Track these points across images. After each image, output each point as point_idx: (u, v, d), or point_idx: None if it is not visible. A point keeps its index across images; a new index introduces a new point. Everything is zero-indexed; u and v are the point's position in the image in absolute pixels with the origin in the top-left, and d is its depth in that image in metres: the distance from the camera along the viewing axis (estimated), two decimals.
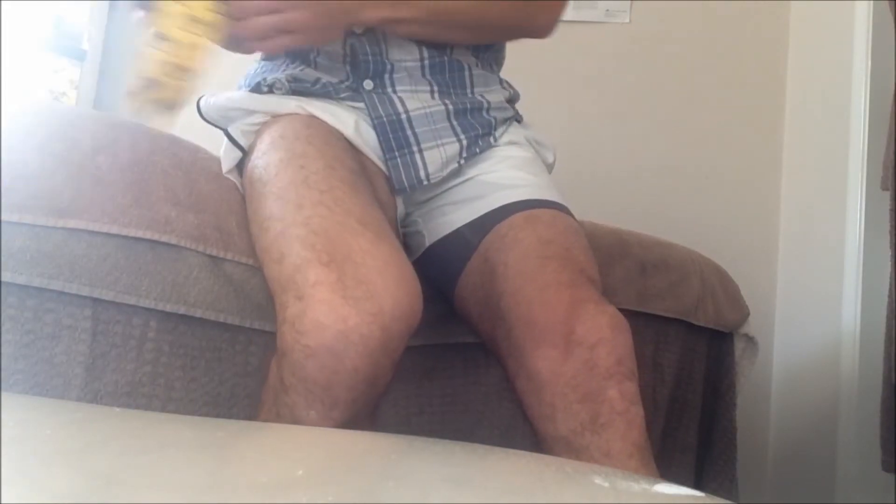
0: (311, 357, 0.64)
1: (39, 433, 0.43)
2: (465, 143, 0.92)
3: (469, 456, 0.51)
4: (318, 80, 0.91)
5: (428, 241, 0.93)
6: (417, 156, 0.90)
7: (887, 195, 1.44)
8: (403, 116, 0.90)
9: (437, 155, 0.90)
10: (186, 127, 1.00)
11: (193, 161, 0.89)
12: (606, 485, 0.45)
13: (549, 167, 1.02)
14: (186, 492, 0.34)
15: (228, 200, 0.88)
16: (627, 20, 1.93)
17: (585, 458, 0.71)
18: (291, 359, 0.66)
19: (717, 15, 1.92)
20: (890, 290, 1.40)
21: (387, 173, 0.90)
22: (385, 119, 0.90)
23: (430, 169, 0.90)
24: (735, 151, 1.90)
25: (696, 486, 0.68)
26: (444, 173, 0.91)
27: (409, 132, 0.90)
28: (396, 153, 0.90)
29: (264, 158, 0.82)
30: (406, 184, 0.90)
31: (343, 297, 0.64)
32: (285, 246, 0.70)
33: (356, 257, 0.67)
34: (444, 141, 0.91)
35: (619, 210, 1.56)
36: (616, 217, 1.30)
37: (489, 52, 1.00)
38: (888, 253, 1.43)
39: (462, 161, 0.92)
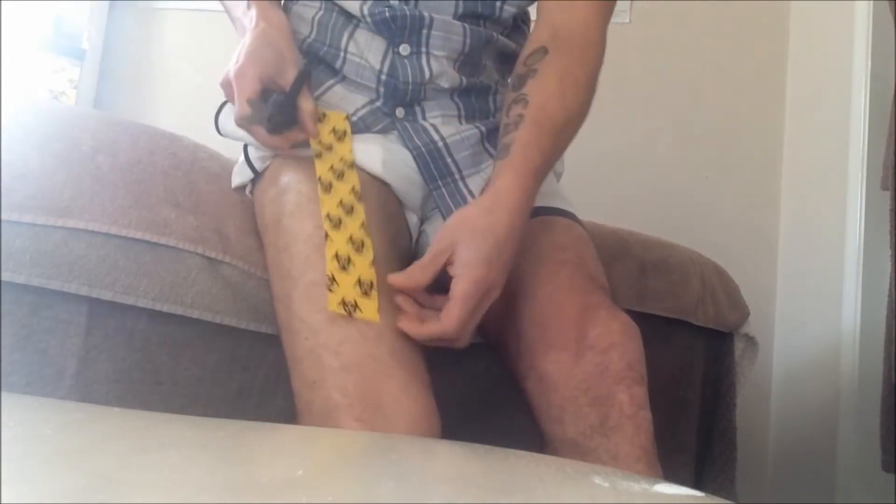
0: None
1: (39, 433, 0.43)
2: None
3: (469, 456, 0.51)
4: (354, 114, 0.88)
5: (432, 239, 0.92)
6: (461, 183, 0.89)
7: (887, 195, 1.44)
8: (441, 144, 0.89)
9: (478, 180, 0.89)
10: (187, 125, 1.00)
11: (193, 161, 0.89)
12: (606, 485, 0.45)
13: (558, 175, 1.02)
14: (186, 492, 0.34)
15: (227, 202, 0.88)
16: (627, 20, 1.93)
17: (593, 461, 0.71)
18: None
19: (717, 15, 1.92)
20: (890, 290, 1.40)
21: (406, 204, 0.89)
22: (424, 149, 0.88)
23: (477, 195, 0.88)
24: (735, 151, 1.90)
25: (696, 486, 0.68)
26: None
27: (448, 160, 0.89)
28: (440, 182, 0.88)
29: (293, 225, 0.77)
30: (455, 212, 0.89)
31: None
32: (317, 373, 0.68)
33: (386, 408, 0.66)
34: (484, 166, 0.90)
35: (619, 210, 1.56)
36: (616, 217, 1.29)
37: (509, 66, 0.99)
38: (888, 253, 1.42)
39: None
